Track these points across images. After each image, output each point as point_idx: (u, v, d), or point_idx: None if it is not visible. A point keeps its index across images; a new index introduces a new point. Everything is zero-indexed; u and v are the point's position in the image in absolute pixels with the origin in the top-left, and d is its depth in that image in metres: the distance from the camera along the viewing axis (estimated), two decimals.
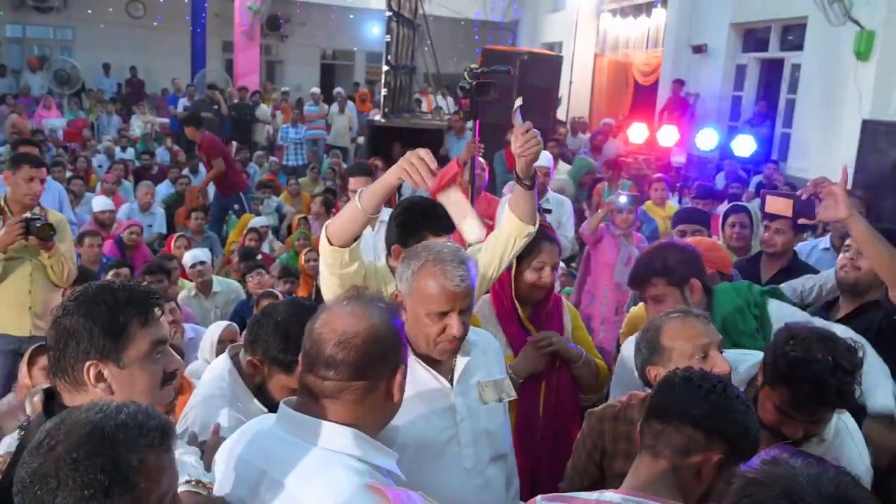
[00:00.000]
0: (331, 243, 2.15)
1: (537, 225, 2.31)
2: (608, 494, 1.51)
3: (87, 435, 1.11)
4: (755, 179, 8.54)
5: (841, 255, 2.73)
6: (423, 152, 2.01)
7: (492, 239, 2.34)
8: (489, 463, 1.90)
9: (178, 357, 1.63)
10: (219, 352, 3.80)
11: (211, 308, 5.29)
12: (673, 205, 6.45)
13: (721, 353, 1.87)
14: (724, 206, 6.34)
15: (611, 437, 2.01)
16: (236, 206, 7.67)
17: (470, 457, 1.86)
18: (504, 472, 1.96)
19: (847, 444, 1.89)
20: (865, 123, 7.27)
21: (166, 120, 13.62)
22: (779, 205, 2.55)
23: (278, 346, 1.91)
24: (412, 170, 1.99)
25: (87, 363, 1.46)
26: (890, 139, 6.90)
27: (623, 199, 4.55)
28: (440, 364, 1.88)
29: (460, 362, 1.91)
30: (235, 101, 13.70)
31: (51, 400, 1.53)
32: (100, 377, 1.47)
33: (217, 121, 12.47)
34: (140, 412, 1.18)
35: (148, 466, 1.13)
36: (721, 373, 1.76)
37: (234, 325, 4.01)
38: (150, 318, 1.51)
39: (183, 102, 13.13)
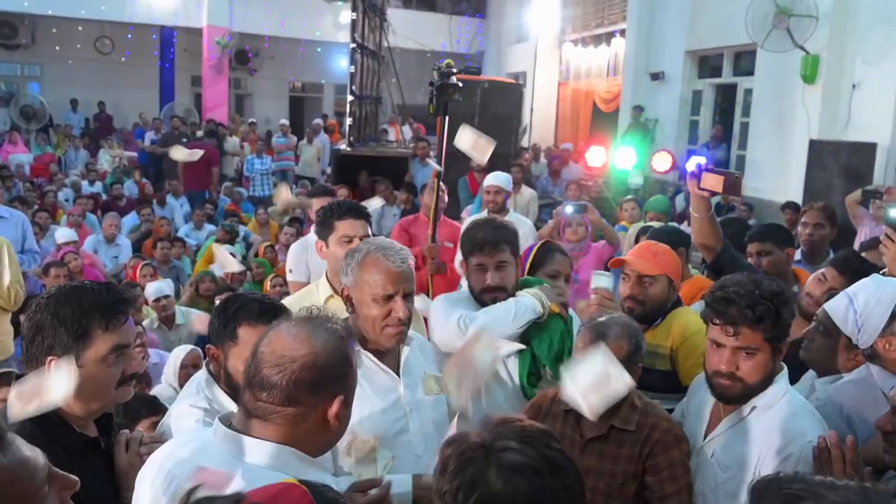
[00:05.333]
0: None
1: None
2: None
3: None
4: (714, 200, 8.77)
5: (814, 283, 2.75)
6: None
7: None
8: (438, 450, 2.00)
9: (139, 360, 1.71)
10: (182, 377, 3.85)
11: (175, 340, 5.29)
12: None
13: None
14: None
15: (545, 414, 2.16)
16: None
17: (419, 444, 1.98)
18: None
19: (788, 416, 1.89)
20: (812, 143, 7.55)
21: (134, 154, 13.63)
22: (711, 181, 2.69)
23: (217, 322, 1.91)
24: None
25: (49, 357, 1.57)
26: (835, 157, 7.17)
27: (569, 209, 4.62)
28: (386, 358, 1.99)
29: (404, 356, 2.04)
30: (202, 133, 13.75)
31: None
32: None
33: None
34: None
35: None
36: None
37: (198, 349, 4.06)
38: (111, 323, 1.61)
39: (150, 136, 13.16)
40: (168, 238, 7.34)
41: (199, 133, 13.66)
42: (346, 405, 1.40)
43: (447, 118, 4.06)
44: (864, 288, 2.12)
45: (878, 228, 5.64)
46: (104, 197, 10.37)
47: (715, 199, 8.62)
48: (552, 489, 1.08)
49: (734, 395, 1.91)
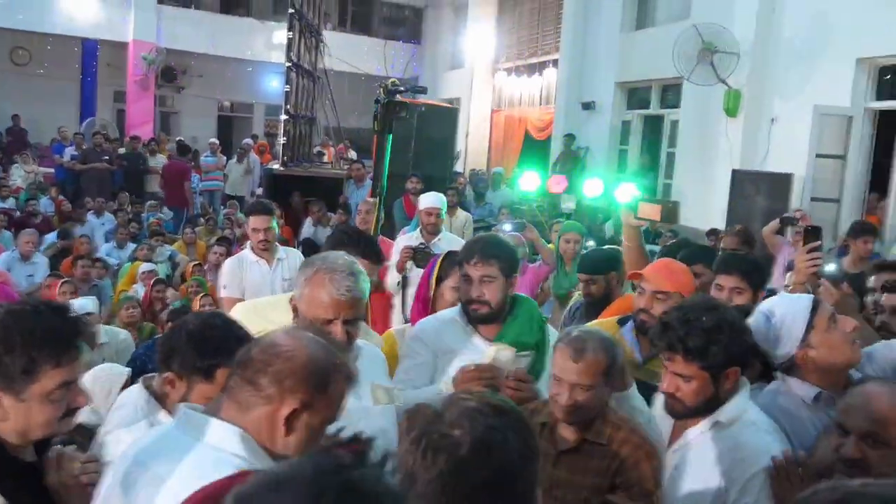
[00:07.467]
0: None
1: None
2: None
3: None
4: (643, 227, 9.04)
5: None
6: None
7: None
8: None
9: (85, 392, 1.58)
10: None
11: (98, 360, 5.03)
12: None
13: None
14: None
15: None
16: None
17: None
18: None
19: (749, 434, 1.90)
20: (735, 173, 7.90)
21: (51, 169, 13.02)
22: (649, 210, 2.75)
23: (194, 354, 1.78)
24: None
25: None
26: (755, 186, 7.54)
27: (507, 227, 4.64)
28: None
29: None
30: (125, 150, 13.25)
31: None
32: None
33: (107, 171, 12.03)
34: None
35: None
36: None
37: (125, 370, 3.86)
38: (64, 359, 1.48)
39: (70, 151, 12.59)
40: (89, 256, 7.00)
41: (121, 150, 13.18)
42: (306, 424, 1.34)
43: (391, 137, 4.07)
44: (780, 305, 2.16)
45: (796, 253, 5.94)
46: (18, 213, 9.83)
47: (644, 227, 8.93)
48: (497, 428, 1.17)
49: (678, 413, 1.95)
